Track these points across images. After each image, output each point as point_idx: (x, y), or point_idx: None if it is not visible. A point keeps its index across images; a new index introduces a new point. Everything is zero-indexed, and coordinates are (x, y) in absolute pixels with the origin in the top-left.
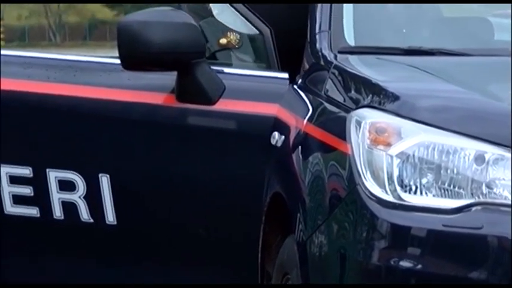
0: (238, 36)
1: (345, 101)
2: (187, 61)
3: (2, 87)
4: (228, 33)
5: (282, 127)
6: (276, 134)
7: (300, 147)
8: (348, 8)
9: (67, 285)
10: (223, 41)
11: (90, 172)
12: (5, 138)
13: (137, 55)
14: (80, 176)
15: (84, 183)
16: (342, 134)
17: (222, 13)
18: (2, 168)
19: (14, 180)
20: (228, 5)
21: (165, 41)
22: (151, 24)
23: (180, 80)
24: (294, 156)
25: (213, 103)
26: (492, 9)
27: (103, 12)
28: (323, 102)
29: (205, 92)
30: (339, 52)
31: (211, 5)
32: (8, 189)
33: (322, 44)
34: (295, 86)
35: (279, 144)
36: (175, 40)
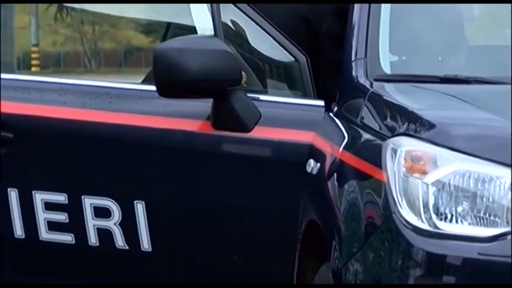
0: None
1: (380, 128)
2: (223, 88)
3: (39, 114)
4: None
5: (317, 154)
6: (311, 161)
7: (335, 174)
8: (383, 35)
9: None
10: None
11: (125, 199)
12: (41, 165)
13: (173, 82)
14: (115, 202)
15: (120, 210)
16: (377, 161)
17: (258, 40)
18: (37, 195)
19: (50, 206)
20: (264, 32)
21: (201, 68)
22: (187, 52)
23: (215, 107)
24: (329, 183)
25: (249, 130)
26: None
27: (138, 38)
28: (359, 129)
29: (241, 119)
30: (375, 80)
31: (247, 32)
32: (43, 216)
33: (358, 72)
34: (331, 114)
35: (314, 172)
36: (211, 67)
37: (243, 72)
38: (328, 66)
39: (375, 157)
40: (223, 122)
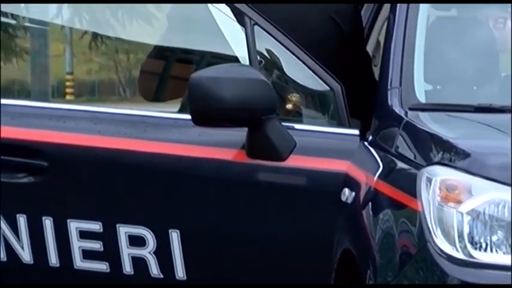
0: (297, 96)
1: (415, 158)
2: (258, 117)
3: (74, 143)
4: (289, 96)
5: (352, 184)
6: (346, 190)
7: (370, 203)
8: (418, 64)
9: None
10: (289, 106)
11: (160, 227)
12: (76, 193)
13: (208, 111)
14: (150, 231)
15: (154, 238)
16: (412, 191)
17: (292, 69)
18: (72, 223)
19: (84, 235)
20: (299, 61)
21: (236, 97)
22: (222, 80)
23: (250, 136)
24: (364, 212)
25: (284, 159)
26: None
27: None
28: (393, 159)
29: (276, 148)
30: (410, 109)
31: (282, 61)
32: (78, 244)
33: (393, 101)
34: (365, 143)
35: (349, 201)
36: (246, 96)
37: (295, 93)
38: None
39: (410, 186)
40: (258, 150)
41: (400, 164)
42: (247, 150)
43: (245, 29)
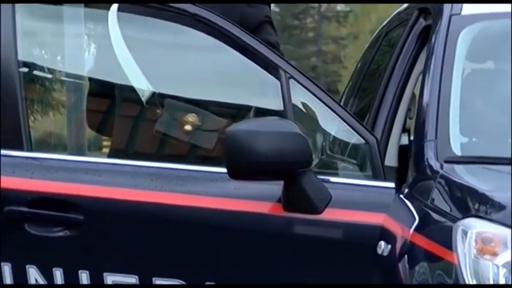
0: (195, 115)
1: (451, 210)
2: (294, 170)
3: (110, 196)
4: (186, 117)
5: (388, 236)
6: (382, 243)
7: (406, 256)
8: (454, 117)
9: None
10: (187, 127)
11: (196, 281)
12: (112, 247)
13: (243, 164)
14: (186, 284)
15: None
16: (448, 243)
17: (328, 122)
18: (108, 277)
19: None
20: (334, 113)
21: (272, 151)
22: (257, 134)
23: (286, 189)
24: (400, 265)
25: (320, 212)
26: None
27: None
28: (429, 211)
29: (312, 202)
30: (445, 162)
31: (318, 114)
32: None
33: (428, 154)
34: (401, 195)
35: (385, 254)
36: (282, 150)
37: (191, 113)
38: None
39: (446, 239)
40: (294, 204)
41: (436, 217)
42: (283, 203)
43: (280, 82)
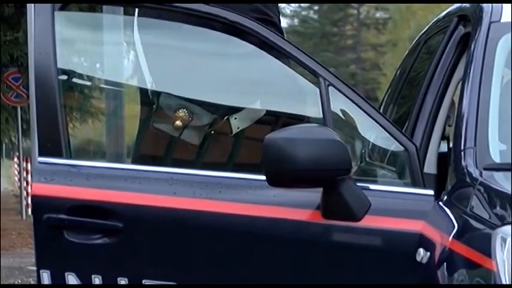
0: (185, 111)
1: (490, 217)
2: (333, 178)
3: (149, 203)
4: (177, 112)
5: (427, 244)
6: (421, 250)
7: (445, 263)
8: (493, 124)
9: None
10: (177, 123)
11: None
12: (151, 254)
13: (283, 172)
14: None
15: None
16: (487, 250)
17: (367, 129)
18: (147, 283)
19: None
20: (373, 120)
21: (311, 158)
22: (297, 141)
23: (325, 197)
24: (439, 272)
25: (359, 220)
26: None
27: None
28: (468, 218)
29: (351, 209)
30: (484, 169)
31: (357, 121)
32: None
33: (467, 161)
34: (440, 203)
35: (424, 261)
36: (321, 157)
37: (182, 109)
38: None
39: (485, 246)
40: (333, 211)
41: (475, 224)
42: (322, 210)
43: (320, 90)
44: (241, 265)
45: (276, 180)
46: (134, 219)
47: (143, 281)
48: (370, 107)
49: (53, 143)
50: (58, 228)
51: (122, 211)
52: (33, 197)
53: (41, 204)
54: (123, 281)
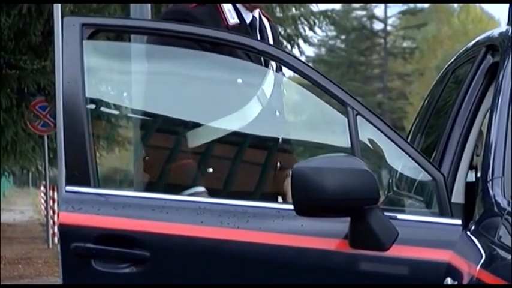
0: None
1: None
2: (360, 207)
3: (176, 233)
4: None
5: (455, 273)
6: (449, 279)
7: None
8: None
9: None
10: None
11: None
12: (177, 283)
13: (310, 201)
14: None
15: None
16: None
17: (395, 158)
18: None
19: None
20: (401, 150)
21: (338, 188)
22: (325, 171)
23: (353, 226)
24: None
25: (386, 249)
26: None
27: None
28: (496, 248)
29: (378, 238)
30: None
31: (385, 150)
32: None
33: (495, 191)
34: (468, 232)
35: None
36: (349, 186)
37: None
38: None
39: None
40: (360, 240)
41: (503, 254)
42: (350, 240)
43: (348, 119)
44: None
45: (304, 209)
46: (161, 249)
47: None
48: (398, 137)
49: (80, 172)
50: (85, 257)
51: (149, 240)
52: (61, 226)
53: (68, 233)
54: None
